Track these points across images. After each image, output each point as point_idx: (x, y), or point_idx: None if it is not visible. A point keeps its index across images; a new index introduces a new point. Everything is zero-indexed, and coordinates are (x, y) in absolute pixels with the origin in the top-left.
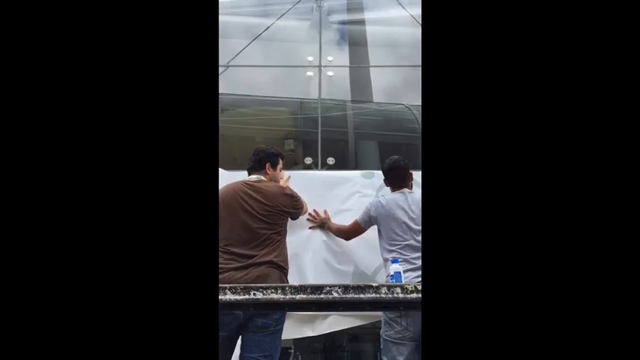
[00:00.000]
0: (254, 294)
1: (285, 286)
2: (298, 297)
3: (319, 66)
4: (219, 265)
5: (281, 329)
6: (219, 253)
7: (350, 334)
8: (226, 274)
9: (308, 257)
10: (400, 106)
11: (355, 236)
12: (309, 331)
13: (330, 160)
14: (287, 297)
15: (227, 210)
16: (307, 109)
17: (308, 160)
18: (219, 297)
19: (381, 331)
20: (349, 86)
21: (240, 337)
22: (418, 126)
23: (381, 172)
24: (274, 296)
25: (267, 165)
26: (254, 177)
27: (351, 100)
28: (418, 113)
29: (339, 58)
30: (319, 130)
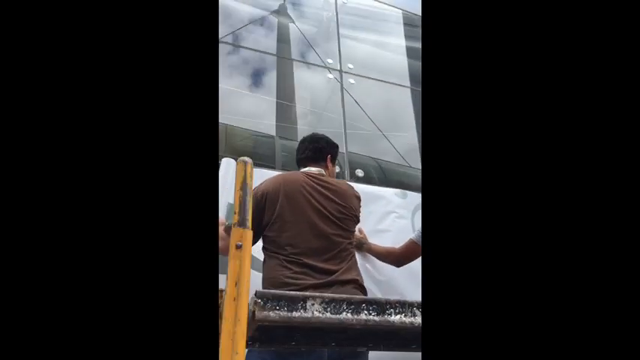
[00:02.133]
0: None
1: None
2: None
3: (339, 70)
4: (287, 281)
5: None
6: (285, 264)
7: None
8: None
9: None
10: None
11: (411, 260)
12: None
13: (359, 172)
14: None
15: (289, 204)
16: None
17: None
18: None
19: None
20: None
21: None
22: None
23: (413, 193)
24: None
25: (329, 157)
26: (314, 169)
27: (278, 136)
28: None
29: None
30: (344, 139)
